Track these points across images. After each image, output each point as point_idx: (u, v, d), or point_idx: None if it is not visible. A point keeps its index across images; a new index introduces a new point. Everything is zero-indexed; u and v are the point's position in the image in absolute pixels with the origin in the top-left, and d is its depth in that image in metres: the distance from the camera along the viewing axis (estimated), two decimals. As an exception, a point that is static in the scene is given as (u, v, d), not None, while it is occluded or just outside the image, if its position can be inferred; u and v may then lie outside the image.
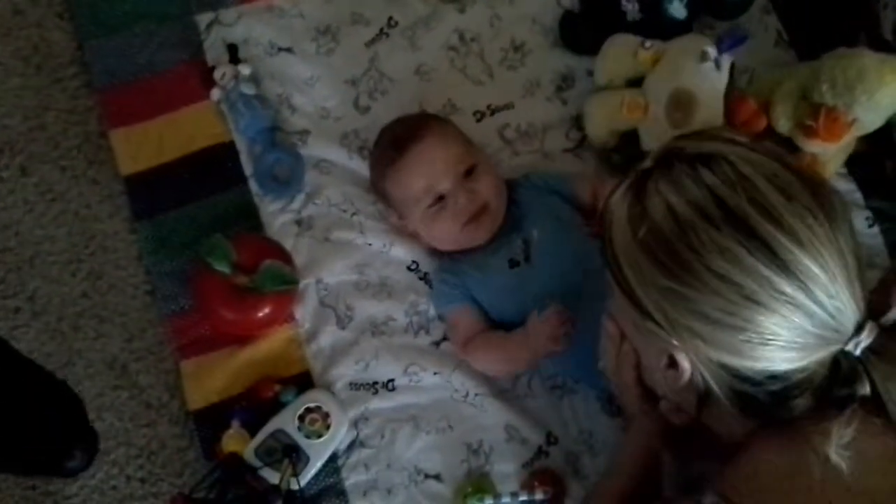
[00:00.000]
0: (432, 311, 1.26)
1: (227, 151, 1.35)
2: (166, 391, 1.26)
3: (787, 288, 0.72)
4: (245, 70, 1.35)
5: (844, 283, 0.74)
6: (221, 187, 1.33)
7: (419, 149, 1.19)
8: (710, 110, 1.18)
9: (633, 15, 1.33)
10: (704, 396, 0.80)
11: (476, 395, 1.21)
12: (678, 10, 1.31)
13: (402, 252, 1.29)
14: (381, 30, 1.41)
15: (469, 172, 1.19)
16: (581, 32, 1.38)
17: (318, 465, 1.17)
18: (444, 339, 1.25)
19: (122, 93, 1.37)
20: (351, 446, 1.20)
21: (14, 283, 1.31)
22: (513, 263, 1.19)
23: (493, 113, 1.37)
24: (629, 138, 1.28)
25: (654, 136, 1.24)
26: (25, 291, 1.31)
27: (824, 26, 1.33)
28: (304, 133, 1.36)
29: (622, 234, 0.80)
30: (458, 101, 1.37)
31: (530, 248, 1.18)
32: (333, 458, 1.19)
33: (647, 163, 0.82)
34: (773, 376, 0.75)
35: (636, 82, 1.28)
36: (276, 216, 1.31)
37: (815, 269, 0.72)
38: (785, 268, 0.72)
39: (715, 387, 0.78)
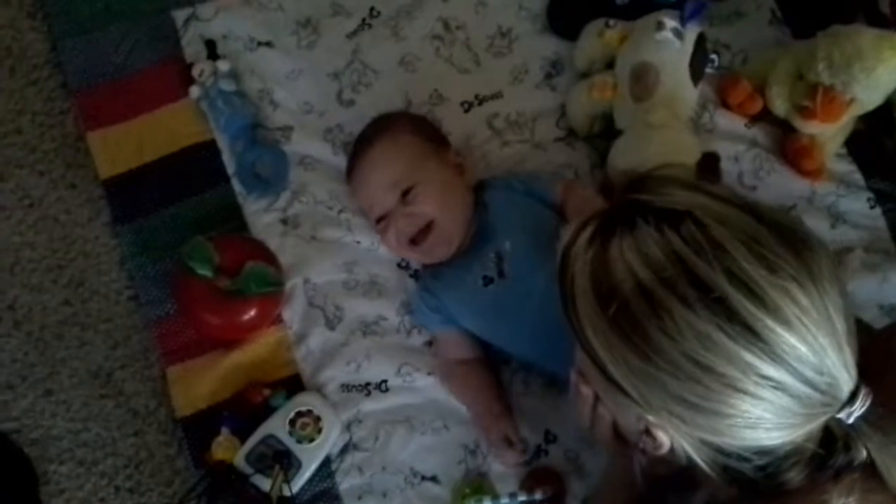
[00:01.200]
0: (424, 310, 1.23)
1: (208, 150, 1.31)
2: (153, 398, 1.23)
3: (774, 372, 0.66)
4: (224, 66, 1.31)
5: (835, 354, 0.68)
6: (203, 187, 1.30)
7: (360, 168, 1.21)
8: (672, 81, 1.17)
9: (622, -1, 1.30)
10: (688, 465, 0.74)
11: (471, 394, 1.18)
12: (667, -10, 1.28)
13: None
14: (363, 20, 1.38)
15: (409, 192, 1.17)
16: (569, 17, 1.34)
17: (311, 470, 1.14)
18: (437, 337, 1.22)
19: (98, 93, 1.34)
20: (344, 450, 1.17)
21: (-7, 293, 1.28)
22: (487, 280, 1.14)
23: (480, 102, 1.33)
24: (612, 123, 1.25)
25: (624, 114, 1.22)
26: (5, 300, 1.27)
27: (819, 3, 1.30)
28: (287, 129, 1.32)
29: (587, 301, 0.73)
30: (444, 91, 1.34)
31: (503, 262, 1.14)
32: (327, 462, 1.16)
33: (607, 212, 0.75)
34: (762, 451, 0.70)
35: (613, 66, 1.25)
36: (261, 215, 1.28)
37: (803, 349, 0.66)
38: (770, 351, 0.66)
39: (698, 460, 0.72)
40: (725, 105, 1.28)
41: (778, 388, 0.66)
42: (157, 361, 1.24)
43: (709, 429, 0.69)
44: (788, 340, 0.66)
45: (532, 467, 1.15)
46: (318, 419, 1.15)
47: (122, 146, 1.31)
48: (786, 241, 0.68)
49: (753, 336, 0.66)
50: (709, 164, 1.17)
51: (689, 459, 0.73)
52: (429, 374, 1.20)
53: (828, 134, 1.23)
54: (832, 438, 0.70)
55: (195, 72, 1.31)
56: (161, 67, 1.35)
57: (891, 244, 1.25)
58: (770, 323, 0.66)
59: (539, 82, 1.34)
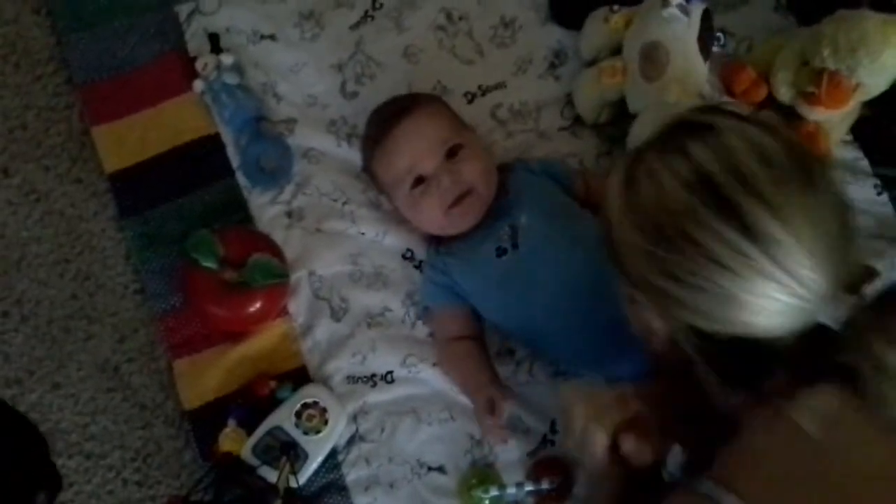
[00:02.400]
0: (429, 301, 1.23)
1: (212, 144, 1.31)
2: (160, 391, 1.24)
3: (752, 252, 0.72)
4: (227, 60, 1.31)
5: (820, 253, 0.72)
6: (208, 181, 1.30)
7: (402, 128, 1.16)
8: (682, 58, 1.15)
9: (626, -13, 1.29)
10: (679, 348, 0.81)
11: (477, 384, 1.18)
12: (672, -23, 1.27)
13: (396, 240, 1.26)
14: (366, 12, 1.37)
15: (453, 153, 1.16)
16: (572, 7, 1.34)
17: (318, 461, 1.14)
18: (442, 328, 1.22)
19: (103, 88, 1.34)
20: (351, 441, 1.18)
21: (0, 288, 1.28)
22: (500, 252, 1.14)
23: (484, 93, 1.33)
24: (621, 111, 1.24)
25: (637, 96, 1.21)
26: (13, 295, 1.28)
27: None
28: (291, 122, 1.32)
29: (615, 202, 0.81)
30: (448, 82, 1.33)
31: (518, 234, 1.14)
32: (333, 453, 1.17)
33: (645, 140, 0.82)
34: (745, 343, 0.75)
35: (620, 52, 1.24)
36: (266, 208, 1.28)
37: (783, 236, 0.72)
38: (750, 232, 0.72)
39: (691, 352, 0.79)
40: (730, 92, 1.26)
41: (755, 267, 0.72)
42: (163, 354, 1.24)
43: (695, 308, 0.75)
44: (770, 225, 0.72)
45: (538, 457, 1.15)
46: (324, 411, 1.15)
47: (128, 140, 1.32)
48: (793, 152, 0.75)
49: (737, 216, 0.72)
50: None
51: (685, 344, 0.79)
52: (434, 364, 1.20)
53: (833, 120, 1.22)
54: (818, 346, 0.74)
55: (199, 65, 1.32)
56: (165, 61, 1.35)
57: (899, 231, 1.24)
58: (754, 207, 0.72)
59: (543, 72, 1.34)
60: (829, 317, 0.74)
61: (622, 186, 0.81)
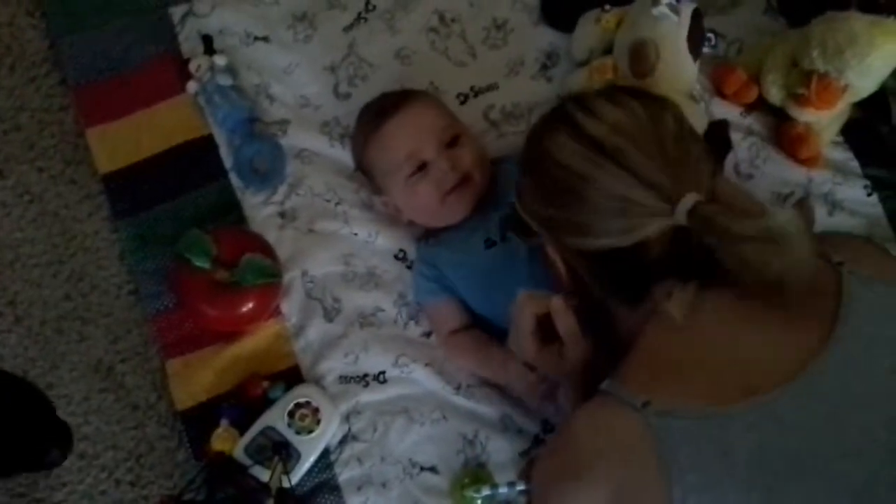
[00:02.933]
0: (420, 301, 1.24)
1: (205, 145, 1.32)
2: (153, 392, 1.24)
3: (600, 159, 0.84)
4: (221, 61, 1.32)
5: (662, 159, 0.83)
6: (202, 182, 1.30)
7: (404, 114, 1.18)
8: (671, 56, 1.16)
9: (617, -11, 1.29)
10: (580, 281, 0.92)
11: (468, 385, 1.19)
12: (664, -20, 1.27)
13: (388, 241, 1.26)
14: (359, 14, 1.38)
15: (453, 143, 1.17)
16: (564, 9, 1.34)
17: (310, 461, 1.15)
18: (434, 329, 1.23)
19: (97, 90, 1.34)
20: (343, 441, 1.18)
21: (-6, 288, 1.28)
22: (489, 243, 1.16)
23: (476, 94, 1.34)
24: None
25: None
26: (6, 296, 1.28)
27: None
28: (284, 123, 1.33)
29: (522, 172, 0.95)
30: (440, 83, 1.34)
31: (506, 226, 1.15)
32: (326, 453, 1.17)
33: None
34: (621, 254, 0.84)
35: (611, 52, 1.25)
36: (259, 209, 1.29)
37: (628, 148, 0.83)
38: (599, 146, 0.84)
39: (585, 275, 0.91)
40: (721, 94, 1.28)
41: (603, 170, 0.83)
42: (156, 355, 1.24)
43: (568, 227, 0.87)
44: (610, 136, 0.84)
45: (530, 457, 1.15)
46: (316, 410, 1.15)
47: (121, 142, 1.32)
48: (639, 95, 0.90)
49: (579, 130, 0.86)
50: (718, 131, 1.19)
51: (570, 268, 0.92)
52: (426, 365, 1.20)
53: (823, 122, 1.23)
54: (683, 250, 0.84)
55: (192, 67, 1.32)
56: (158, 63, 1.35)
57: (889, 231, 1.25)
58: (594, 123, 0.85)
59: (535, 74, 1.34)
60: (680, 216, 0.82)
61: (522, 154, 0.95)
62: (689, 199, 0.81)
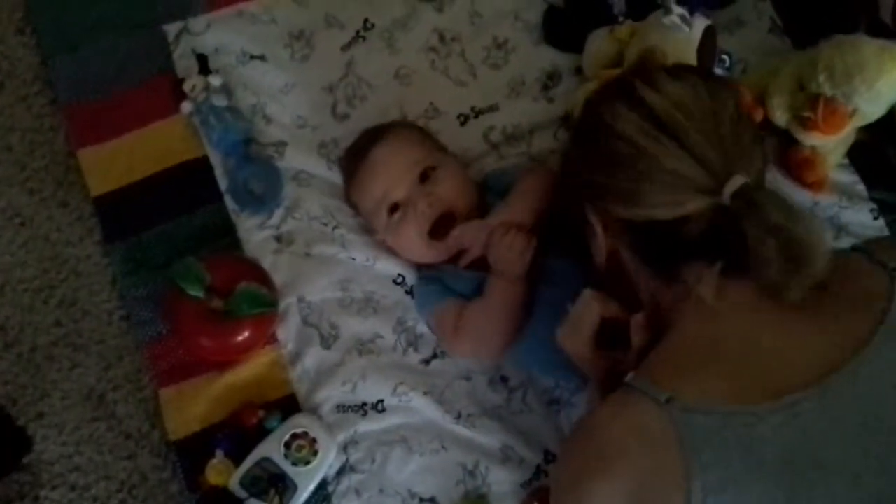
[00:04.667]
0: (420, 328, 1.21)
1: (200, 167, 1.29)
2: (146, 421, 1.21)
3: (657, 132, 0.84)
4: (216, 81, 1.29)
5: (716, 138, 0.84)
6: (196, 205, 1.28)
7: (372, 156, 1.17)
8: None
9: (620, 8, 1.28)
10: (618, 257, 0.94)
11: (469, 415, 1.16)
12: (668, -1, 1.26)
13: (387, 265, 1.24)
14: (357, 33, 1.36)
15: (426, 176, 1.15)
16: (566, 28, 1.33)
17: (307, 493, 1.12)
18: (434, 356, 1.20)
19: (88, 109, 1.32)
20: (341, 472, 1.15)
21: (-17, 314, 1.26)
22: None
23: (477, 115, 1.32)
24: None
25: None
26: (-4, 322, 1.26)
27: (820, 12, 1.29)
28: (281, 144, 1.30)
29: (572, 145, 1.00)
30: (440, 104, 1.32)
31: None
32: (323, 485, 1.14)
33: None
34: (660, 224, 0.85)
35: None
36: (255, 232, 1.26)
37: (687, 125, 0.84)
38: (658, 121, 0.85)
39: (621, 245, 0.92)
40: (725, 115, 1.26)
41: (661, 143, 0.84)
42: (149, 383, 1.22)
43: (618, 193, 0.88)
44: (671, 111, 0.85)
45: (532, 488, 1.14)
46: (313, 441, 1.13)
47: (114, 163, 1.29)
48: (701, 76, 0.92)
49: (645, 106, 0.87)
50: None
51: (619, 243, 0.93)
52: (425, 393, 1.17)
53: (830, 145, 1.21)
54: (724, 231, 0.83)
55: (187, 87, 1.30)
56: (152, 83, 1.33)
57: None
58: (658, 99, 0.86)
59: (536, 94, 1.32)
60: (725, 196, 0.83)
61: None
62: (737, 180, 0.82)
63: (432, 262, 1.20)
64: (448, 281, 1.18)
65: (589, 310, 0.99)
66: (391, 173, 1.15)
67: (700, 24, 1.15)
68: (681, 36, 1.14)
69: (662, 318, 0.91)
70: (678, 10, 1.14)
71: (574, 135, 0.98)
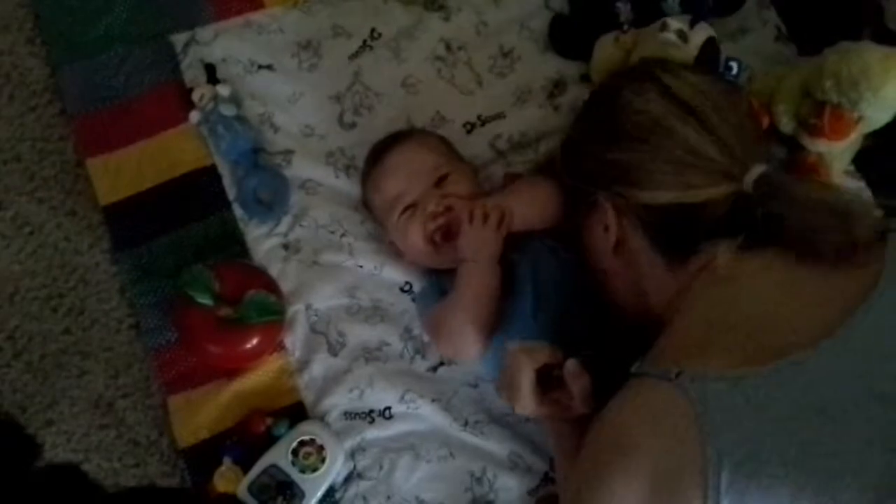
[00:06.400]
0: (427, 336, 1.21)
1: (208, 176, 1.30)
2: (154, 428, 1.21)
3: (681, 112, 0.88)
4: (224, 91, 1.30)
5: (737, 127, 0.89)
6: (205, 213, 1.28)
7: (392, 156, 1.18)
8: None
9: (626, 15, 1.28)
10: (632, 257, 0.95)
11: (476, 422, 1.17)
12: (673, 7, 1.26)
13: (394, 273, 1.24)
14: (364, 42, 1.36)
15: (442, 182, 1.16)
16: (572, 36, 1.33)
17: (315, 500, 1.12)
18: (441, 364, 1.20)
19: (97, 119, 1.32)
20: (348, 479, 1.16)
21: (-7, 322, 1.26)
22: None
23: (483, 123, 1.32)
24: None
25: None
26: (5, 330, 1.26)
27: (825, 19, 1.29)
28: (288, 153, 1.31)
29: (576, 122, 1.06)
30: (447, 112, 1.32)
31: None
32: (331, 492, 1.15)
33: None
34: (679, 207, 0.88)
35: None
36: (262, 241, 1.27)
37: (709, 111, 0.88)
38: (683, 103, 0.89)
39: (633, 230, 0.93)
40: (731, 123, 1.26)
41: (686, 124, 0.88)
42: (158, 390, 1.22)
43: (640, 177, 0.90)
44: (698, 100, 0.89)
45: (539, 495, 1.14)
46: (321, 448, 1.13)
47: (122, 172, 1.30)
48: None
49: (670, 93, 0.91)
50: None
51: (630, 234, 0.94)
52: (433, 400, 1.18)
53: (836, 152, 1.21)
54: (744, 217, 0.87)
55: (195, 97, 1.30)
56: (161, 92, 1.33)
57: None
58: (686, 88, 0.90)
59: (542, 102, 1.32)
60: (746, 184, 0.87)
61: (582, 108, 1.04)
62: (759, 168, 0.86)
63: (437, 268, 1.19)
64: (449, 289, 1.17)
65: (520, 366, 0.96)
66: (410, 174, 1.15)
67: (700, 36, 1.15)
68: (677, 50, 1.14)
69: (657, 315, 0.92)
70: (675, 24, 1.15)
71: (590, 115, 0.99)
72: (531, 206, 1.14)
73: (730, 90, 0.92)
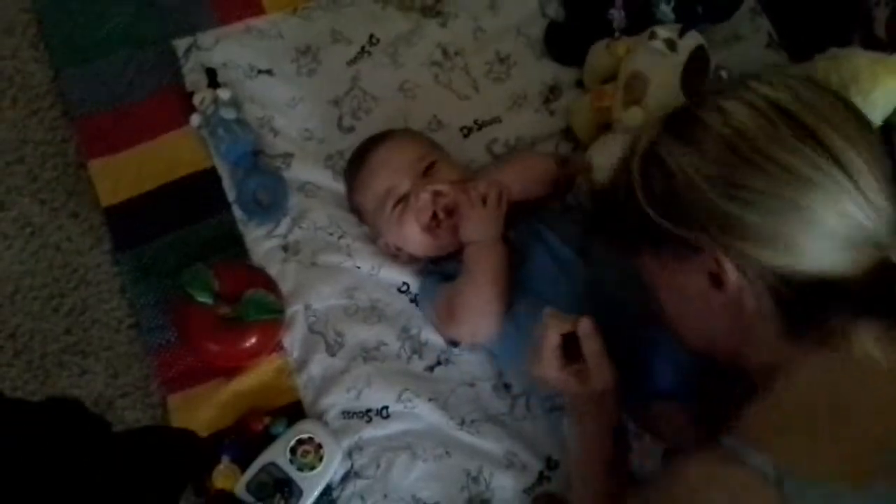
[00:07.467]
0: (424, 335, 1.23)
1: (208, 178, 1.31)
2: (154, 427, 1.23)
3: (828, 166, 0.72)
4: (224, 94, 1.32)
5: (880, 173, 0.74)
6: (204, 215, 1.30)
7: (378, 153, 1.20)
8: (661, 91, 1.16)
9: (620, 23, 1.30)
10: (741, 314, 0.78)
11: (472, 421, 1.18)
12: (666, 14, 1.28)
13: (391, 274, 1.26)
14: (363, 48, 1.38)
15: (429, 170, 1.18)
16: (567, 43, 1.35)
17: (312, 498, 1.13)
18: (438, 363, 1.22)
19: (99, 122, 1.34)
20: (346, 477, 1.17)
21: (-6, 321, 1.27)
22: None
23: (480, 128, 1.34)
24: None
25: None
26: (6, 329, 1.27)
27: (816, 26, 1.31)
28: (288, 156, 1.33)
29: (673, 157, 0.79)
30: (443, 117, 1.34)
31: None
32: (328, 490, 1.15)
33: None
34: (815, 279, 0.74)
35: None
36: (261, 242, 1.28)
37: (855, 157, 0.72)
38: (827, 149, 0.72)
39: (755, 293, 0.76)
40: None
41: (835, 183, 0.72)
42: (157, 390, 1.23)
43: (772, 237, 0.74)
44: (848, 151, 0.73)
45: (535, 494, 1.15)
46: (319, 447, 1.14)
47: (124, 174, 1.31)
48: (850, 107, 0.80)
49: (818, 140, 0.73)
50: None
51: (747, 301, 0.77)
52: (430, 399, 1.19)
53: (827, 156, 1.23)
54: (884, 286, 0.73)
55: (196, 100, 1.32)
56: (162, 96, 1.35)
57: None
58: (835, 135, 0.73)
59: (538, 107, 1.35)
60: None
61: (673, 137, 0.80)
62: None
63: (434, 256, 1.21)
64: (452, 273, 1.18)
65: (548, 330, 0.95)
66: (396, 168, 1.18)
67: (689, 45, 1.17)
68: (665, 60, 1.16)
69: (757, 375, 0.80)
70: (664, 33, 1.17)
71: (703, 155, 0.76)
72: (524, 179, 1.17)
73: (865, 120, 0.77)
